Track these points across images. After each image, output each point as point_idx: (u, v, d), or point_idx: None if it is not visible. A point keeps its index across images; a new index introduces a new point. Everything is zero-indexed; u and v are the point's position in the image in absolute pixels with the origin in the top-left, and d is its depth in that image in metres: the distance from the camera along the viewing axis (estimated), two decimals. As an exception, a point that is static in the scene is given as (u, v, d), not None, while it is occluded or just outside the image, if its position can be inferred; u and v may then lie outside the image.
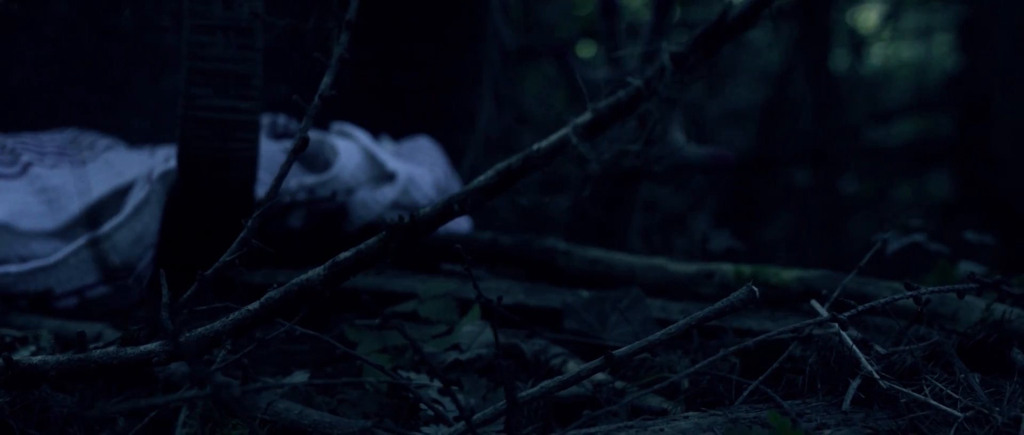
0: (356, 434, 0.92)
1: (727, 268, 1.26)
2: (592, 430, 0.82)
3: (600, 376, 1.05)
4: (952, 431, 0.83)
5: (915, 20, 5.07)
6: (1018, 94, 3.18)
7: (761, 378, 0.94)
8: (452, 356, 1.08)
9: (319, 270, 0.83)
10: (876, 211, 4.94)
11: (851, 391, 0.88)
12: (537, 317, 1.20)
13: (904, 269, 1.68)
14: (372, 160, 1.38)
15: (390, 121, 1.56)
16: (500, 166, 0.75)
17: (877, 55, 5.43)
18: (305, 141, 1.00)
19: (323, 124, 1.51)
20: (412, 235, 0.77)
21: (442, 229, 1.43)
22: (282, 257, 1.34)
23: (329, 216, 1.37)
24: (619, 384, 1.03)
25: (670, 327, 0.87)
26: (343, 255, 0.81)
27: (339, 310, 1.23)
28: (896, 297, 0.94)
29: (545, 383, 0.84)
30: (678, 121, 1.46)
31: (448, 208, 0.76)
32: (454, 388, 1.00)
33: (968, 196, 3.54)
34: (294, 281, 0.84)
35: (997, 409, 0.85)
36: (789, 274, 1.21)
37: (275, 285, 0.88)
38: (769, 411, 0.81)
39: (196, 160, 1.26)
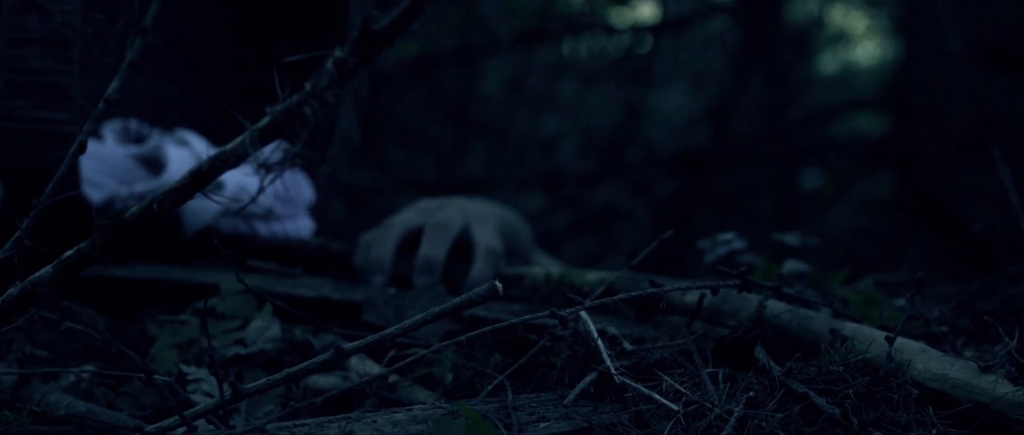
0: (111, 425, 0.94)
1: (537, 271, 1.28)
2: (304, 421, 0.84)
3: (375, 369, 1.07)
4: (670, 424, 0.85)
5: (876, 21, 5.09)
6: (940, 93, 3.19)
7: (508, 372, 0.96)
8: (234, 351, 1.09)
9: (48, 268, 0.85)
10: (834, 209, 4.96)
11: (581, 385, 0.90)
12: (342, 311, 1.22)
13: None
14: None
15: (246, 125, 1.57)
16: (193, 168, 0.76)
17: (836, 56, 5.46)
18: (83, 145, 1.02)
19: (171, 129, 1.53)
20: (120, 234, 0.79)
21: (282, 232, 1.46)
22: (126, 260, 1.36)
23: (166, 222, 1.39)
24: (392, 378, 1.05)
25: (404, 322, 0.89)
26: (67, 254, 0.83)
27: (148, 304, 1.24)
28: (642, 292, 0.95)
29: (272, 377, 0.86)
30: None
31: (149, 209, 0.77)
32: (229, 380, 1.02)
33: (903, 194, 3.56)
34: (27, 280, 0.86)
35: (714, 403, 0.86)
36: (593, 276, 1.23)
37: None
38: (461, 404, 0.82)
39: (17, 170, 1.28)
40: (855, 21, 5.06)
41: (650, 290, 0.95)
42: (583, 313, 0.97)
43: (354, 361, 1.09)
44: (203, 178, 0.72)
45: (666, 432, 0.84)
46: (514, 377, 0.98)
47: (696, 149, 3.50)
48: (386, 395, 1.02)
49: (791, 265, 1.38)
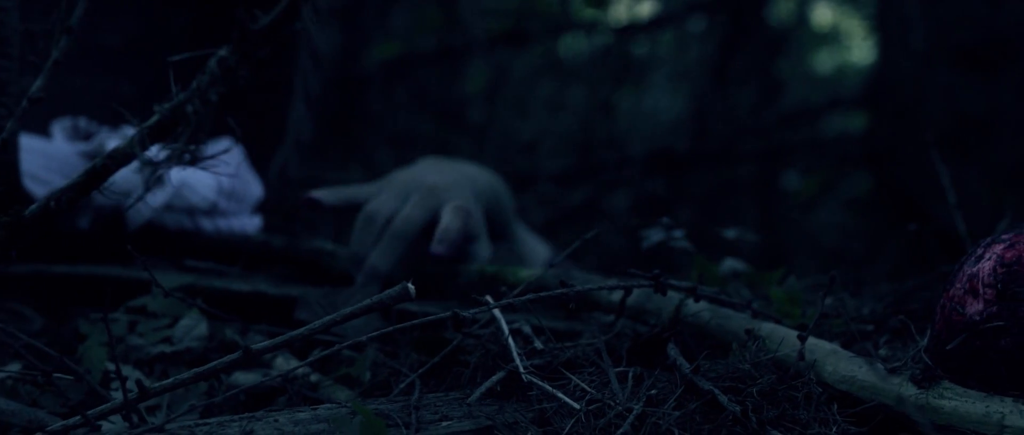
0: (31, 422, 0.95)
1: (473, 269, 1.28)
2: (206, 420, 0.84)
3: (299, 368, 1.07)
4: (572, 422, 0.85)
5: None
6: (913, 93, 3.20)
7: (421, 371, 0.96)
8: (160, 349, 1.10)
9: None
10: (821, 208, 4.97)
11: (487, 384, 0.91)
12: (279, 307, 1.23)
13: (665, 265, 1.70)
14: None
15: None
16: (89, 166, 0.77)
17: (833, 56, 5.45)
18: (4, 143, 1.03)
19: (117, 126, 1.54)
20: (20, 230, 0.80)
21: (227, 228, 1.47)
22: (74, 255, 1.37)
23: (111, 218, 1.40)
24: (314, 377, 1.06)
25: (314, 323, 0.90)
26: (-29, 250, 0.84)
27: (86, 302, 1.25)
28: (552, 292, 0.96)
29: (179, 376, 0.87)
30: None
31: (46, 206, 0.78)
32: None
33: (879, 193, 3.57)
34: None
35: (615, 401, 0.87)
36: (524, 273, 1.24)
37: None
38: (354, 401, 0.83)
39: None
40: (841, 20, 5.07)
41: (559, 290, 0.96)
42: (496, 312, 0.98)
43: (279, 360, 1.10)
44: (98, 176, 0.73)
45: (567, 430, 0.85)
46: (430, 375, 0.99)
47: (670, 148, 3.51)
48: (307, 393, 1.03)
49: (730, 263, 1.39)
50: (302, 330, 0.89)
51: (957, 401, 0.87)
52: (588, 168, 3.41)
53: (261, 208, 1.55)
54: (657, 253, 1.43)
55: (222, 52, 0.68)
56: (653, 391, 0.87)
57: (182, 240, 1.40)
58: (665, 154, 3.35)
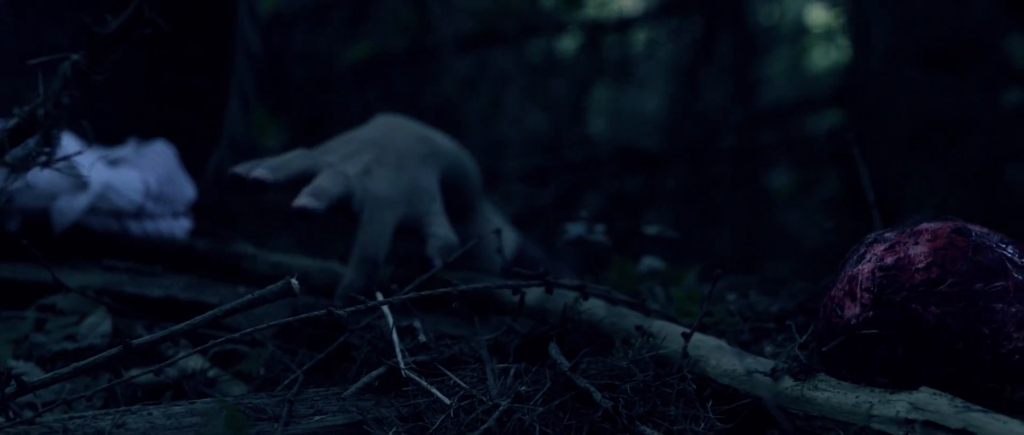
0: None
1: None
2: (81, 413, 0.86)
3: (197, 363, 1.09)
4: (441, 418, 0.87)
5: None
6: (883, 92, 3.21)
7: (306, 367, 0.98)
8: (62, 346, 1.12)
9: None
10: (799, 207, 4.98)
11: (365, 379, 0.92)
12: (192, 311, 1.24)
13: (588, 262, 1.71)
14: (69, 168, 1.42)
15: (140, 125, 1.60)
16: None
17: (827, 55, 5.47)
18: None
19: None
20: None
21: (155, 230, 1.48)
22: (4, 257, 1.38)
23: (39, 221, 1.41)
24: (212, 372, 1.07)
25: (196, 318, 0.91)
26: None
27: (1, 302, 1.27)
28: (434, 291, 0.98)
29: (58, 371, 0.88)
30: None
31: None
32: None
33: (848, 192, 3.58)
34: None
35: (484, 396, 0.88)
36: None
37: None
38: (218, 398, 0.84)
39: None
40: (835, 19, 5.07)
41: (442, 290, 0.97)
42: (385, 308, 0.99)
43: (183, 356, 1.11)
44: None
45: (436, 425, 0.86)
46: (318, 371, 1.01)
47: (638, 147, 3.52)
48: (203, 389, 1.04)
49: (648, 261, 1.40)
50: (182, 325, 0.90)
51: (830, 392, 0.87)
52: (558, 167, 3.43)
53: (195, 209, 1.57)
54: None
55: (75, 56, 0.69)
56: (524, 387, 0.88)
57: (108, 243, 1.41)
58: (633, 153, 3.36)
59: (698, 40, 3.78)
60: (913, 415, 0.81)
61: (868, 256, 0.95)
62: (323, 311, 0.88)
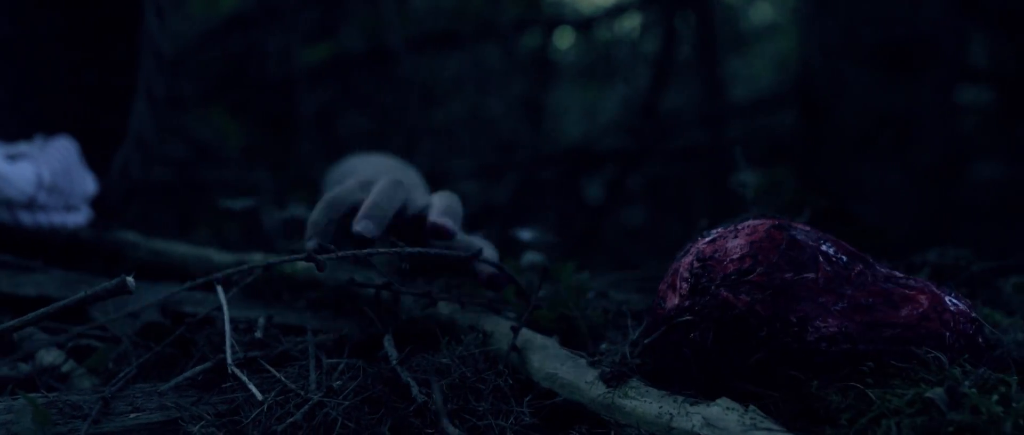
0: None
1: (258, 258, 1.31)
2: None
3: (54, 358, 1.11)
4: (255, 412, 0.88)
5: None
6: (836, 90, 3.22)
7: (141, 360, 0.99)
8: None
9: None
10: (766, 204, 4.97)
11: (186, 374, 0.93)
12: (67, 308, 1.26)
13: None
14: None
15: (63, 124, 1.63)
16: None
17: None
18: None
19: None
20: None
21: (48, 222, 1.50)
22: None
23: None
24: (66, 367, 1.09)
25: (29, 314, 0.93)
26: None
27: None
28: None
29: None
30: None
31: None
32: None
33: (801, 191, 3.57)
34: None
35: (302, 391, 0.89)
36: (302, 265, 1.26)
37: None
38: (23, 395, 0.86)
39: None
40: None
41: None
42: (223, 303, 1.00)
43: (41, 352, 1.13)
44: None
45: (250, 419, 0.87)
46: (161, 365, 1.02)
47: (587, 146, 3.53)
48: (54, 384, 1.06)
49: (529, 257, 1.42)
50: (30, 316, 0.92)
51: (637, 401, 0.88)
52: (508, 165, 3.43)
53: (97, 204, 1.59)
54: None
55: None
56: (338, 383, 0.89)
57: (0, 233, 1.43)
58: (583, 151, 3.36)
59: (663, 35, 3.79)
60: (705, 431, 0.81)
61: (692, 250, 0.97)
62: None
